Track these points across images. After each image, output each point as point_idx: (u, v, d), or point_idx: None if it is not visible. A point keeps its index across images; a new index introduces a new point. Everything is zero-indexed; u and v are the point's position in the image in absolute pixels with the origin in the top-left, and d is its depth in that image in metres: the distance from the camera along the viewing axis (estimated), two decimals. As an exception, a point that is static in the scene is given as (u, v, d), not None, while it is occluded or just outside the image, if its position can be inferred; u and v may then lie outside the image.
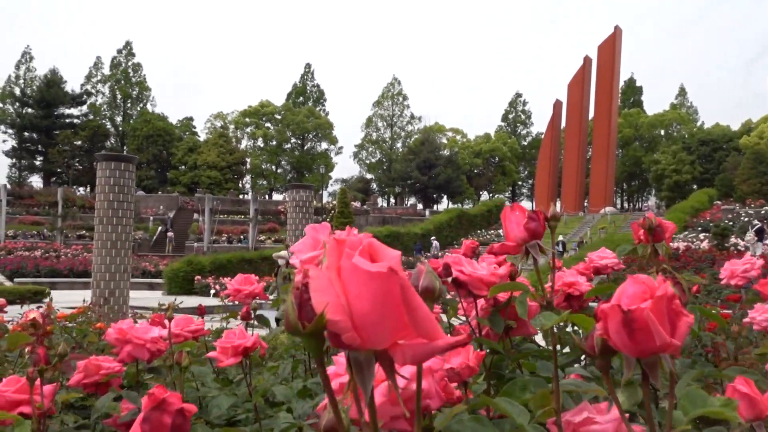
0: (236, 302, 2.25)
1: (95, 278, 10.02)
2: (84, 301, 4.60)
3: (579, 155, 55.07)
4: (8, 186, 43.00)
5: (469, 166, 71.33)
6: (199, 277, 23.30)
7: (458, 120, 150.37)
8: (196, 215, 46.31)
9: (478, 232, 42.40)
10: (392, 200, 73.74)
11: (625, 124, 67.29)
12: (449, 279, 1.25)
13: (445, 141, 73.92)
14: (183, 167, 63.29)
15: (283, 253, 11.17)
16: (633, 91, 77.10)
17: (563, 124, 57.91)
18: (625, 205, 74.68)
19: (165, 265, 28.63)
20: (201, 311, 2.18)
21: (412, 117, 76.01)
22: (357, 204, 47.09)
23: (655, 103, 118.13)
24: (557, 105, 58.03)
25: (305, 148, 71.64)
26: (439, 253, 31.16)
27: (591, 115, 55.70)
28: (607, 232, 36.44)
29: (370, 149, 74.55)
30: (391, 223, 41.22)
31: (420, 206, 63.57)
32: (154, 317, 1.81)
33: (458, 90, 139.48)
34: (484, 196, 74.55)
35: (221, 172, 61.89)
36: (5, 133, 64.85)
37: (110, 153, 10.14)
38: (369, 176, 75.34)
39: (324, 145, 72.81)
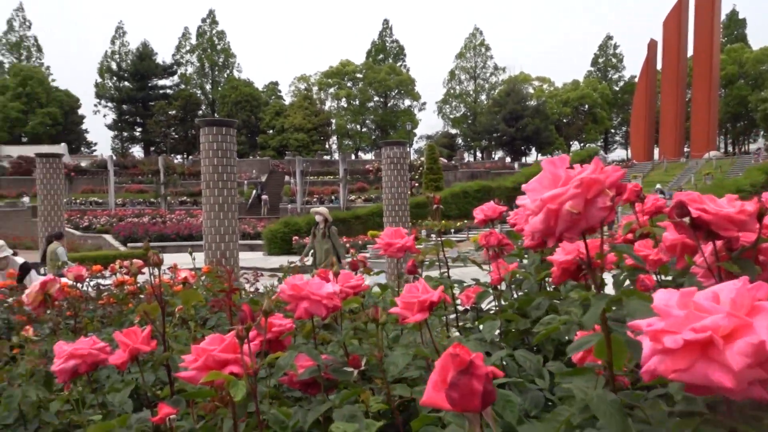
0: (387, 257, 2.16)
1: (206, 240, 10.41)
2: (193, 259, 4.78)
3: (678, 97, 51.69)
4: (114, 157, 45.67)
5: (557, 115, 68.75)
6: (296, 237, 23.91)
7: (544, 68, 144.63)
8: (287, 177, 47.46)
9: (571, 183, 40.95)
10: (479, 154, 72.53)
11: (728, 60, 62.24)
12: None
13: (531, 91, 71.41)
14: (271, 131, 64.78)
15: (321, 209, 11.02)
16: (735, 24, 71.09)
17: (659, 65, 54.36)
18: (730, 148, 69.80)
19: (262, 227, 29.62)
20: (355, 266, 2.11)
21: (496, 68, 73.83)
22: (444, 160, 46.60)
23: (761, 36, 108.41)
24: (652, 45, 54.45)
25: (388, 105, 71.37)
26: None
27: (689, 53, 51.91)
28: (713, 178, 34.24)
29: (454, 103, 73.27)
30: (480, 178, 40.56)
31: (508, 159, 62.12)
32: (320, 272, 1.75)
33: (543, 37, 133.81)
34: (575, 146, 71.83)
35: (308, 134, 62.88)
36: (106, 107, 68.66)
37: (211, 118, 10.37)
38: (454, 131, 74.31)
39: (407, 102, 72.27)
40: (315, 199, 41.29)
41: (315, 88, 71.29)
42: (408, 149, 13.88)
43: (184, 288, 2.88)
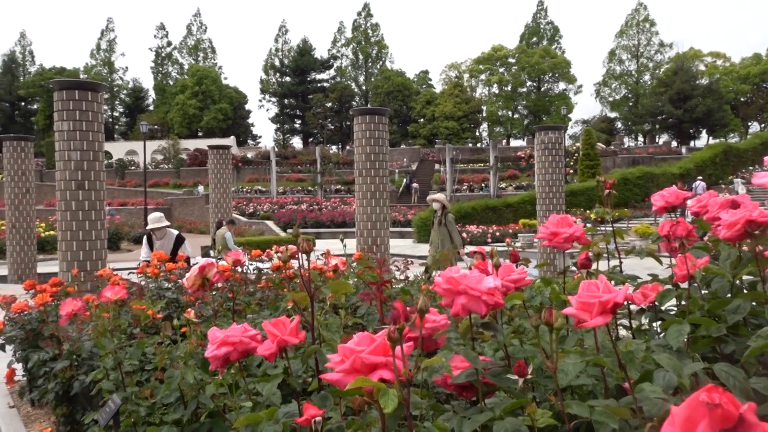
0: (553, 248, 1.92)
1: (359, 227, 10.63)
2: (344, 246, 4.83)
3: None
4: (276, 148, 48.66)
5: (733, 94, 62.09)
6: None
7: (717, 43, 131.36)
8: (437, 166, 47.59)
9: (750, 168, 36.87)
10: (640, 139, 67.67)
11: None
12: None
13: (702, 68, 65.09)
14: (422, 120, 65.30)
15: (439, 195, 10.45)
16: None
17: None
18: None
19: (413, 214, 29.95)
20: (515, 257, 1.89)
21: (662, 45, 68.17)
22: (601, 145, 44.00)
23: None
24: None
25: (541, 90, 68.88)
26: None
27: None
28: None
29: (614, 85, 68.90)
30: (643, 164, 37.76)
31: (674, 143, 57.25)
32: (478, 264, 1.56)
33: (716, 8, 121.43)
34: (754, 127, 64.52)
35: (458, 122, 62.56)
36: (269, 101, 73.35)
37: (364, 107, 10.50)
38: (613, 115, 69.97)
39: (561, 86, 69.28)
40: (465, 187, 40.97)
41: (466, 76, 70.65)
42: (564, 134, 13.17)
43: (334, 275, 2.83)
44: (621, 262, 2.10)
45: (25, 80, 70.20)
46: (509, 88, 68.18)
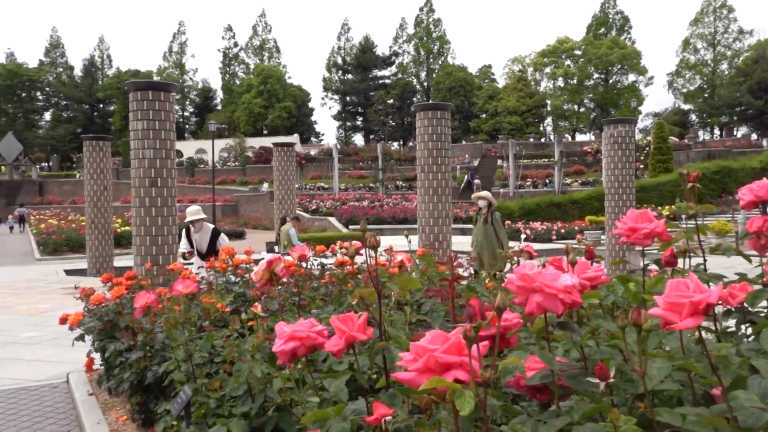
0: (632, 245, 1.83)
1: (420, 224, 10.59)
2: (409, 242, 4.79)
3: None
4: (338, 146, 49.15)
5: (820, 82, 58.32)
6: (508, 222, 23.49)
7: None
8: (499, 161, 46.92)
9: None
10: (716, 132, 64.61)
11: None
12: None
13: (785, 56, 61.41)
14: (484, 115, 64.51)
15: (484, 192, 9.99)
16: None
17: None
18: None
19: (474, 211, 29.63)
20: (590, 254, 1.81)
21: (741, 32, 64.74)
22: (674, 138, 42.24)
23: None
24: None
25: (609, 82, 66.75)
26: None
27: None
28: None
29: (688, 75, 65.96)
30: (719, 158, 36.00)
31: (754, 136, 54.33)
32: (552, 260, 1.50)
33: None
34: None
35: (521, 116, 61.47)
36: (332, 99, 74.19)
37: (426, 103, 10.44)
38: (686, 107, 67.06)
39: (631, 77, 66.91)
40: (528, 183, 40.22)
41: (530, 69, 69.28)
42: (634, 127, 12.71)
43: (400, 271, 2.80)
44: (705, 260, 1.98)
45: (104, 83, 73.60)
46: (575, 81, 66.41)
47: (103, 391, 4.66)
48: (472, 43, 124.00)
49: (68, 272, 14.78)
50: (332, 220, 30.10)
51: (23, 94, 71.31)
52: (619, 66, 65.48)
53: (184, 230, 8.04)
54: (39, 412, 4.64)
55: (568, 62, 67.06)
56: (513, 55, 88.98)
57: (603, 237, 20.06)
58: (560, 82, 67.89)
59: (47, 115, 75.57)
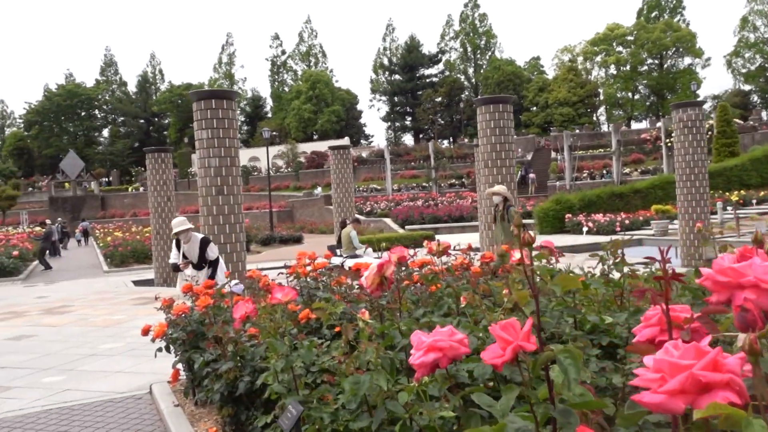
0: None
1: (485, 220, 10.33)
2: (461, 243, 4.63)
3: None
4: (389, 146, 49.10)
5: None
6: (569, 215, 22.88)
7: None
8: (553, 154, 45.95)
9: None
10: (782, 112, 61.55)
11: None
12: None
13: None
14: (534, 108, 63.36)
15: (498, 188, 9.38)
16: None
17: None
18: None
19: (531, 205, 29.03)
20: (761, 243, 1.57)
21: (803, 6, 61.58)
22: (738, 121, 40.39)
23: None
24: None
25: (664, 67, 64.51)
26: None
27: None
28: None
29: (747, 55, 63.13)
30: (789, 139, 34.24)
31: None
32: (743, 250, 1.28)
33: None
34: None
35: (573, 107, 60.08)
36: (380, 100, 74.31)
37: (487, 96, 10.20)
38: (747, 87, 64.18)
39: (686, 61, 64.50)
40: (585, 175, 39.21)
41: (580, 59, 67.63)
42: (703, 110, 12.11)
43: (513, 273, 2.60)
44: None
45: (157, 97, 75.82)
46: (628, 67, 64.45)
47: (189, 402, 4.63)
48: (520, 35, 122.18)
49: (136, 283, 15.13)
50: (388, 221, 30.03)
51: (82, 113, 74.15)
52: (674, 49, 63.22)
53: (173, 242, 8.05)
54: (127, 425, 4.64)
55: (619, 49, 65.17)
56: (562, 45, 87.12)
57: (671, 226, 19.27)
58: (612, 70, 66.05)
59: (105, 132, 78.42)
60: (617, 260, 3.22)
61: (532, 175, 40.87)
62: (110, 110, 77.56)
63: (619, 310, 3.05)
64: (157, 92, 78.19)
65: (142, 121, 77.08)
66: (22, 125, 75.52)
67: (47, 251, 22.72)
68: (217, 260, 7.84)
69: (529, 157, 47.05)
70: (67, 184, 54.15)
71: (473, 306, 2.57)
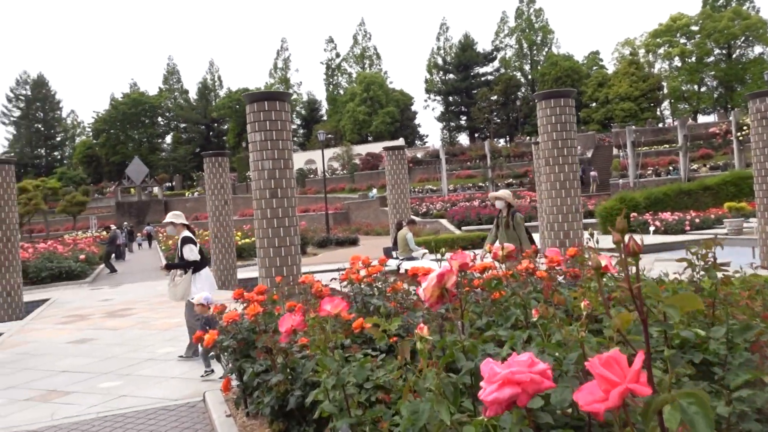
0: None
1: (547, 221, 9.90)
2: (596, 240, 4.29)
3: None
4: (444, 146, 48.62)
5: None
6: (634, 214, 21.94)
7: None
8: (615, 151, 44.44)
9: None
10: None
11: None
12: None
13: None
14: (594, 104, 61.55)
15: (501, 192, 8.68)
16: None
17: None
18: None
19: (593, 204, 28.06)
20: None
21: None
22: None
23: None
24: None
25: (732, 57, 61.51)
26: None
27: None
28: None
29: (825, 40, 59.50)
30: None
31: None
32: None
33: None
34: None
35: (635, 102, 58.04)
36: (434, 100, 73.80)
37: (548, 91, 9.77)
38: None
39: (757, 50, 61.30)
40: (649, 172, 37.68)
41: (641, 52, 65.26)
42: (782, 99, 11.29)
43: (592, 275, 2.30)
44: None
45: (216, 103, 77.69)
46: (693, 59, 61.75)
47: (241, 413, 4.47)
48: (577, 30, 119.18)
49: (196, 285, 15.31)
50: (444, 222, 29.64)
51: (146, 120, 76.69)
52: (743, 38, 60.20)
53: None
54: (180, 434, 4.53)
55: (683, 40, 62.55)
56: (622, 38, 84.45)
57: (747, 225, 18.18)
58: (677, 62, 63.43)
59: (168, 138, 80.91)
60: (708, 264, 2.85)
61: (593, 173, 39.63)
62: (172, 117, 79.97)
63: (711, 322, 2.70)
64: (216, 98, 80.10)
65: (202, 126, 79.09)
66: (91, 134, 78.72)
67: (113, 255, 23.41)
68: (196, 264, 7.20)
69: (589, 154, 45.67)
70: (132, 190, 56.05)
71: (546, 318, 2.27)
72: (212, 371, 5.95)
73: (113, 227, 27.05)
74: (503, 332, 2.53)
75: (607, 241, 19.63)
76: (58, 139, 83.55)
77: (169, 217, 7.43)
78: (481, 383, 1.26)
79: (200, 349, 6.11)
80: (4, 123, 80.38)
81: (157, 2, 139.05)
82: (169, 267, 7.43)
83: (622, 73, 60.41)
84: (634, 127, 42.40)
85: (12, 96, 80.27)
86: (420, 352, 1.91)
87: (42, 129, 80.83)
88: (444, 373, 1.66)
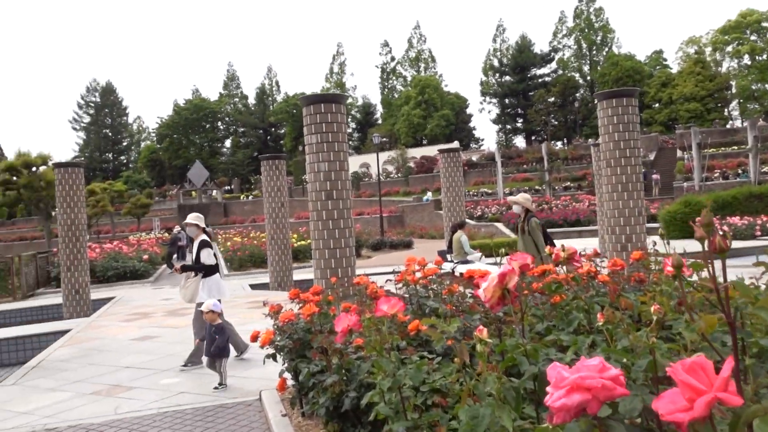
0: None
1: (608, 224, 9.59)
2: (666, 243, 4.12)
3: None
4: (499, 149, 48.02)
5: None
6: (699, 219, 21.06)
7: None
8: (679, 153, 42.88)
9: None
10: None
11: None
12: None
13: None
14: (657, 104, 59.61)
15: (518, 197, 8.14)
16: None
17: None
18: None
19: (655, 208, 27.12)
20: None
21: None
22: None
23: None
24: None
25: (808, 53, 58.52)
26: None
27: None
28: None
29: None
30: None
31: None
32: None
33: None
34: None
35: (701, 102, 55.88)
36: (490, 103, 73.03)
37: (609, 90, 9.47)
38: None
39: (835, 46, 58.09)
40: (716, 174, 36.16)
41: (708, 50, 62.81)
42: None
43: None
44: None
45: (274, 108, 79.21)
46: (764, 56, 59.02)
47: (296, 413, 4.49)
48: (639, 28, 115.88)
49: (253, 286, 15.58)
50: (499, 225, 29.23)
51: (207, 125, 78.87)
52: (819, 34, 57.17)
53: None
54: (236, 432, 4.58)
55: (753, 37, 59.84)
56: (686, 36, 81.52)
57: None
58: (746, 60, 60.73)
59: (227, 143, 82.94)
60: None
61: (655, 176, 38.33)
62: (232, 122, 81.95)
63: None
64: (274, 103, 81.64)
65: (260, 131, 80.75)
66: (155, 138, 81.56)
67: (174, 255, 24.11)
68: (210, 269, 7.26)
69: (651, 156, 44.21)
70: (193, 193, 57.69)
71: (612, 323, 2.16)
72: (225, 387, 5.82)
73: (176, 229, 27.85)
74: (565, 337, 2.43)
75: (673, 245, 18.96)
76: (125, 143, 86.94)
77: (194, 219, 7.46)
78: (547, 388, 1.19)
79: (205, 360, 6.11)
80: (74, 129, 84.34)
81: (218, 11, 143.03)
82: (185, 269, 7.41)
83: (687, 72, 58.31)
84: (699, 128, 40.84)
85: (82, 103, 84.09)
86: (479, 355, 1.85)
87: (110, 134, 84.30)
88: (505, 378, 1.60)
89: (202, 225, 7.48)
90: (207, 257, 7.24)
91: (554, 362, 1.21)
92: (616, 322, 2.11)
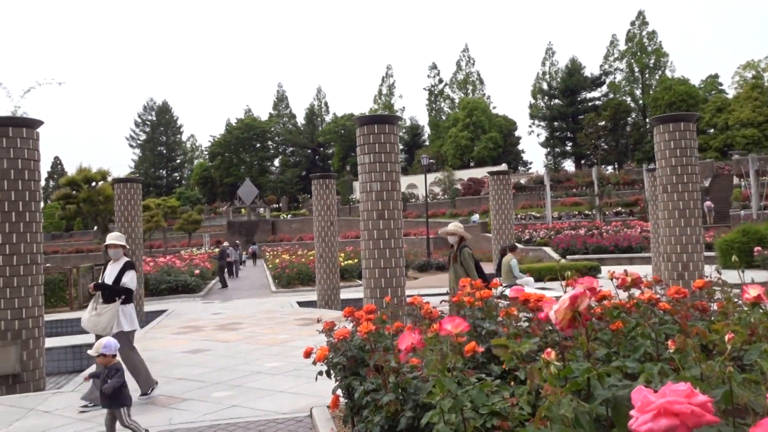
0: None
1: (664, 251, 9.35)
2: (646, 276, 4.05)
3: None
4: (548, 173, 47.46)
5: None
6: (758, 248, 20.31)
7: None
8: (735, 180, 41.53)
9: None
10: None
11: None
12: None
13: None
14: (712, 130, 57.98)
15: (450, 226, 7.79)
16: None
17: None
18: None
19: (710, 237, 26.28)
20: None
21: None
22: None
23: None
24: None
25: None
26: None
27: None
28: None
29: None
30: None
31: None
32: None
33: None
34: None
35: (759, 128, 54.10)
36: (539, 126, 72.37)
37: (665, 114, 9.31)
38: None
39: None
40: (777, 203, 34.80)
41: (766, 75, 60.95)
42: None
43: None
44: None
45: (323, 128, 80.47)
46: (827, 82, 56.91)
47: (348, 431, 4.50)
48: (694, 52, 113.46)
49: (300, 304, 15.73)
50: (547, 249, 28.78)
51: (257, 144, 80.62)
52: None
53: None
54: (287, 447, 4.62)
55: (816, 61, 57.87)
56: (744, 60, 79.34)
57: None
58: (807, 85, 58.63)
59: (276, 161, 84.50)
60: None
61: (708, 204, 37.19)
62: (281, 141, 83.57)
63: None
64: (323, 123, 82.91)
65: (309, 150, 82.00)
66: (207, 156, 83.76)
67: (225, 270, 24.60)
68: (128, 295, 6.50)
69: (706, 183, 42.94)
70: (243, 210, 58.84)
71: (683, 351, 2.12)
72: (87, 409, 5.99)
73: (225, 243, 28.45)
74: (631, 363, 2.38)
75: (729, 275, 18.29)
76: (178, 161, 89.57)
77: (115, 238, 6.73)
78: (632, 412, 1.19)
79: (89, 387, 6.06)
80: (131, 145, 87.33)
81: (270, 33, 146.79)
82: (99, 288, 6.44)
83: (744, 97, 56.63)
84: (756, 155, 39.50)
85: (139, 121, 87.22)
86: (549, 379, 1.84)
87: (164, 151, 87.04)
88: (579, 401, 1.59)
89: (120, 241, 6.72)
90: (131, 281, 6.50)
91: (639, 386, 1.21)
92: (689, 349, 2.07)
